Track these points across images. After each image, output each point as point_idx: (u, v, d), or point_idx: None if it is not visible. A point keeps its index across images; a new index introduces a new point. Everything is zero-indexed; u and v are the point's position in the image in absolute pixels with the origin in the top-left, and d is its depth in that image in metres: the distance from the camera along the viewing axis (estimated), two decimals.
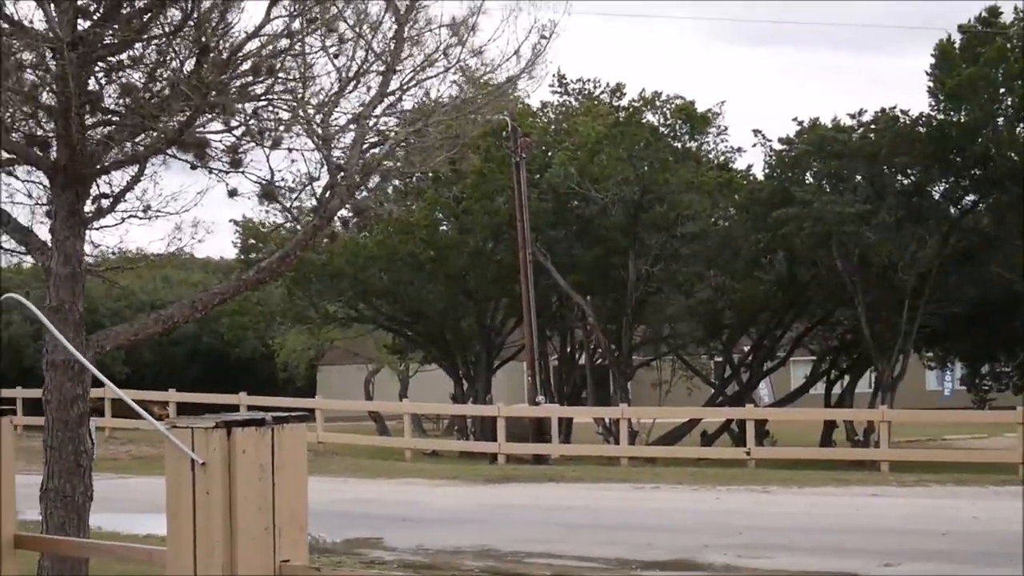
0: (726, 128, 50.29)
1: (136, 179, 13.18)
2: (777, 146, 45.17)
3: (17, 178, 13.21)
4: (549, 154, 47.23)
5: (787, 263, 43.99)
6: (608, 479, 31.99)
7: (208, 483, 7.51)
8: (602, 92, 51.82)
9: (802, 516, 23.90)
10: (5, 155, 12.27)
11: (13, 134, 12.13)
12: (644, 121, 47.80)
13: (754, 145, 46.38)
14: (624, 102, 50.61)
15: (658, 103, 49.32)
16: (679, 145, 48.16)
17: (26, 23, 11.88)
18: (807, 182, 43.83)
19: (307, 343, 58.48)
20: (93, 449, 11.82)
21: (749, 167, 49.24)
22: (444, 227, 47.66)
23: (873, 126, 42.96)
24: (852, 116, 43.90)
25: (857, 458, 37.57)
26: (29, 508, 12.05)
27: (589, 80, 51.82)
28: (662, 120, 49.07)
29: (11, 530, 8.92)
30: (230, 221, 47.38)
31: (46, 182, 13.10)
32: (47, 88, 11.67)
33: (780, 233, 42.21)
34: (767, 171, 46.22)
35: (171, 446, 7.69)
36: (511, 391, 53.88)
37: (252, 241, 47.58)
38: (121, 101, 12.31)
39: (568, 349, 51.62)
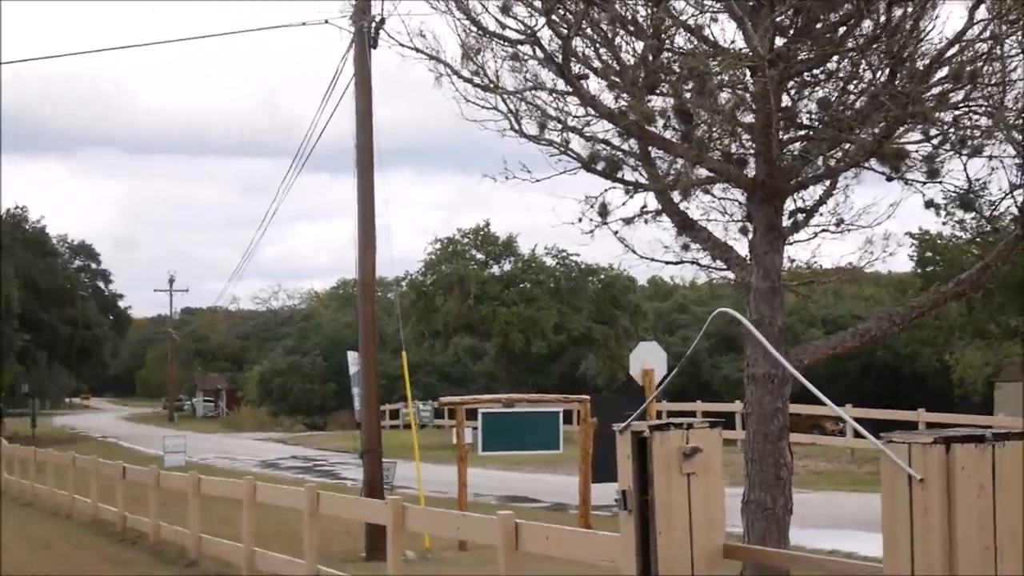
0: None
1: (829, 192, 13.17)
2: None
3: (713, 196, 13.58)
4: None
5: None
6: None
7: (926, 500, 7.26)
8: None
9: None
10: (704, 174, 12.64)
11: (711, 153, 12.47)
12: None
13: None
14: None
15: None
16: None
17: (722, 44, 12.21)
18: None
19: (985, 358, 56.21)
20: (792, 462, 11.88)
21: None
22: None
23: None
24: None
25: None
26: (728, 519, 12.24)
27: None
28: None
29: (720, 539, 9.13)
30: (906, 234, 46.53)
31: (740, 199, 13.38)
32: (745, 106, 11.90)
33: None
34: None
35: (887, 462, 7.51)
36: None
37: (929, 254, 46.43)
38: (816, 116, 12.34)
39: None
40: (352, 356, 28.87)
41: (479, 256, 63.24)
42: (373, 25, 22.03)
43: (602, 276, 63.20)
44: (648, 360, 23.46)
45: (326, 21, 22.98)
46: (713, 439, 9.51)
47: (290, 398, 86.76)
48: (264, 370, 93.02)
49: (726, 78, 11.96)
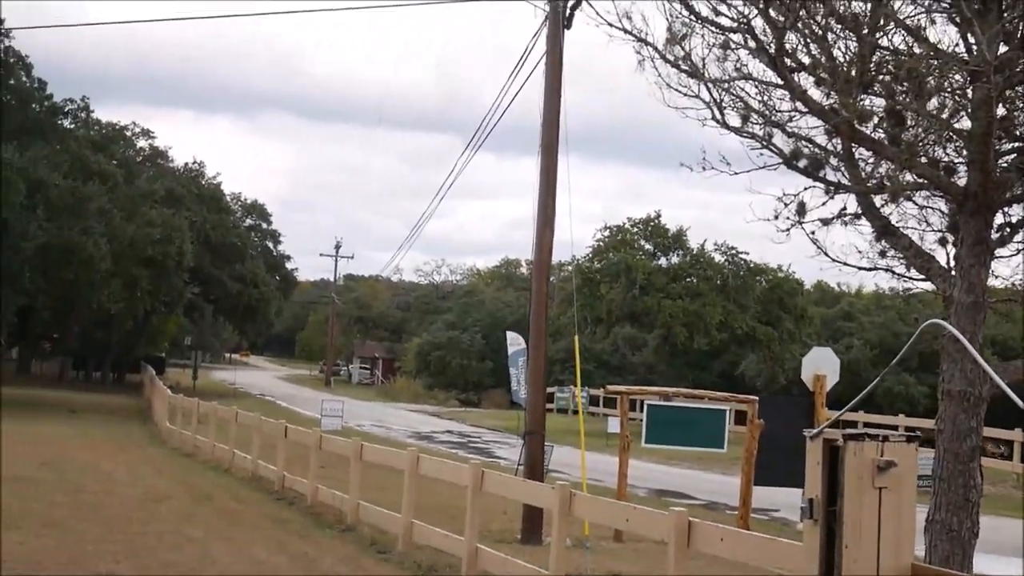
0: None
1: None
2: None
3: (915, 203, 13.12)
4: None
5: None
6: None
7: None
8: None
9: None
10: (909, 179, 12.19)
11: (919, 158, 12.02)
12: None
13: None
14: None
15: None
16: None
17: (942, 47, 11.75)
18: None
19: None
20: (982, 484, 11.41)
21: None
22: None
23: None
24: None
25: None
26: None
27: None
28: None
29: (909, 559, 8.77)
30: None
31: (943, 208, 12.91)
32: (963, 112, 11.45)
33: None
34: None
35: None
36: None
37: None
38: None
39: None
40: (511, 336, 28.75)
41: (647, 247, 62.79)
42: (569, 4, 21.84)
43: (770, 277, 62.28)
44: (821, 366, 22.92)
45: None
46: (909, 454, 9.16)
47: (447, 372, 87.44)
48: (423, 342, 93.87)
49: (944, 82, 11.51)
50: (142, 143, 79.94)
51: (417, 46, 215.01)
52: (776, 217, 12.73)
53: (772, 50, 11.46)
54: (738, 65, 12.00)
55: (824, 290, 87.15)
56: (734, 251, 61.87)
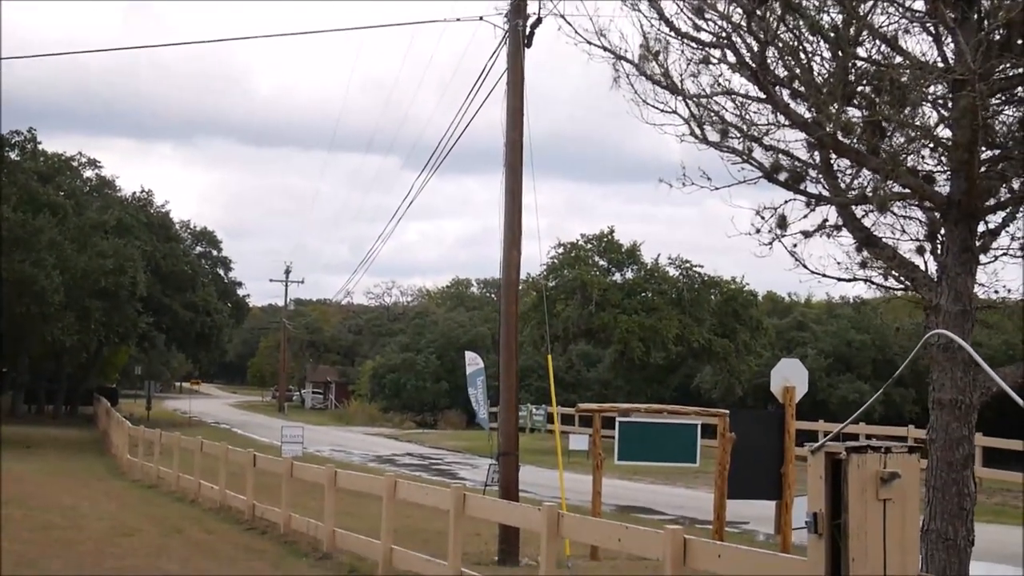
0: None
1: (1013, 215, 12.67)
2: None
3: (894, 213, 13.13)
4: None
5: None
6: None
7: None
8: None
9: None
10: (896, 189, 12.20)
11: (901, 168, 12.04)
12: None
13: None
14: None
15: None
16: None
17: (921, 57, 11.80)
18: None
19: None
20: (976, 492, 11.43)
21: None
22: None
23: None
24: None
25: None
26: None
27: None
28: None
29: (914, 569, 8.75)
30: None
31: (920, 217, 12.94)
32: (945, 122, 11.49)
33: None
34: None
35: None
36: None
37: None
38: (1014, 135, 11.88)
39: None
40: (470, 356, 28.57)
41: (602, 263, 62.69)
42: (529, 23, 21.81)
43: (724, 289, 62.37)
44: (789, 377, 22.93)
45: (481, 18, 22.84)
46: (911, 465, 9.14)
47: (402, 395, 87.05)
48: (377, 365, 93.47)
49: (923, 92, 11.54)
50: (89, 173, 79.24)
51: (364, 66, 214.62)
52: (758, 231, 12.72)
53: (754, 64, 11.45)
54: (718, 80, 12.00)
55: (775, 300, 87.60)
56: (688, 264, 61.93)
